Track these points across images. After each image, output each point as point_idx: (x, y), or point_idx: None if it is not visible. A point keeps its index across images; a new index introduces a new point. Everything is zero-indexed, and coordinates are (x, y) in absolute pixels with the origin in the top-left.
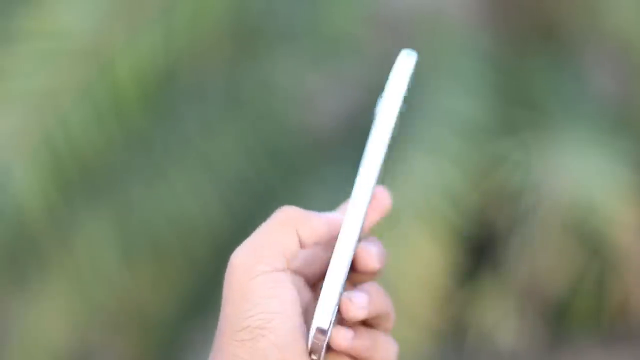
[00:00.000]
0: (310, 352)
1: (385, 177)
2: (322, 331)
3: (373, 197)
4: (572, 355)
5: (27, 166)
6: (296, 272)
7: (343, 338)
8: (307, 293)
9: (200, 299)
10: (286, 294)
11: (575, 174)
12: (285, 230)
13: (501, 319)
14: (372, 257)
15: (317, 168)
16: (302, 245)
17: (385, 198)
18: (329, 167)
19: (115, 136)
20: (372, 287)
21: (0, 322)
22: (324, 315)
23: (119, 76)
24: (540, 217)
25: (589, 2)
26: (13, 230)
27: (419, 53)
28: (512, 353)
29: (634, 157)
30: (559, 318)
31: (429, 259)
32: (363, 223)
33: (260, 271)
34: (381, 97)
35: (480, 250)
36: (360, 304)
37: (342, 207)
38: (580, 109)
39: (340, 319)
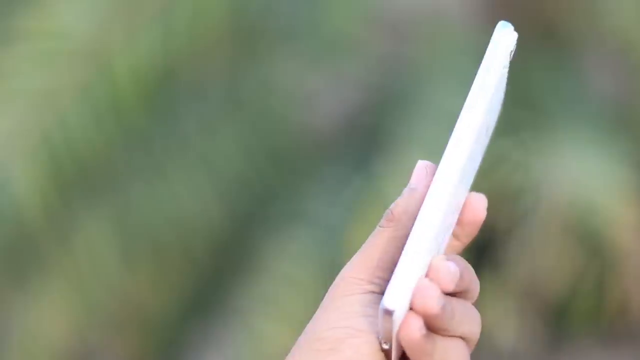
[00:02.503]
0: (381, 342)
1: (385, 177)
2: (389, 312)
3: (466, 205)
4: (572, 355)
5: (25, 166)
6: None
7: (413, 329)
8: None
9: (200, 299)
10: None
11: (575, 174)
12: (398, 240)
13: (501, 319)
14: (480, 202)
15: (317, 168)
16: None
17: (480, 207)
18: (329, 167)
19: (114, 136)
20: (458, 258)
21: (0, 322)
22: (395, 292)
23: (118, 76)
24: (540, 217)
25: (589, 2)
26: (12, 230)
27: (419, 53)
28: (512, 353)
29: (634, 157)
30: (559, 318)
31: None
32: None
33: (366, 290)
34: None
35: (480, 250)
36: (452, 271)
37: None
38: (580, 109)
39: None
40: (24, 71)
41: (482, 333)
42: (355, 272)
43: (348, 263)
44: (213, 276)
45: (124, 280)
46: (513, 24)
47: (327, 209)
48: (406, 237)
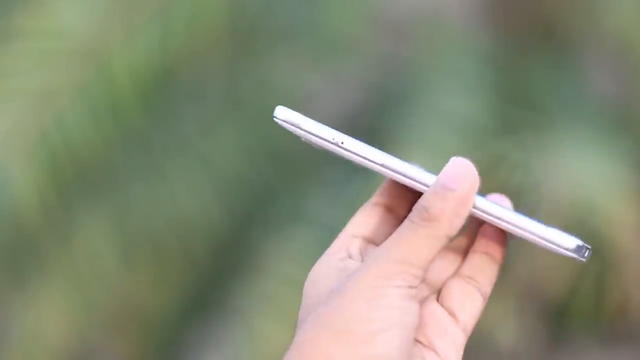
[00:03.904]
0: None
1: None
2: None
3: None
4: (572, 355)
5: (24, 166)
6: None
7: None
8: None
9: (200, 299)
10: (407, 308)
11: (575, 174)
12: (434, 240)
13: (501, 319)
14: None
15: (317, 168)
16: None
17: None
18: (329, 167)
19: (112, 136)
20: None
21: (0, 322)
22: None
23: (116, 75)
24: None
25: (589, 2)
26: (11, 230)
27: (419, 53)
28: (512, 353)
29: (634, 157)
30: (559, 318)
31: None
32: None
33: (393, 285)
34: None
35: None
36: None
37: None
38: (580, 109)
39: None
40: (22, 70)
41: (482, 333)
42: (385, 265)
43: (375, 254)
44: (213, 276)
45: (124, 280)
46: (513, 24)
47: (327, 209)
48: (443, 237)
